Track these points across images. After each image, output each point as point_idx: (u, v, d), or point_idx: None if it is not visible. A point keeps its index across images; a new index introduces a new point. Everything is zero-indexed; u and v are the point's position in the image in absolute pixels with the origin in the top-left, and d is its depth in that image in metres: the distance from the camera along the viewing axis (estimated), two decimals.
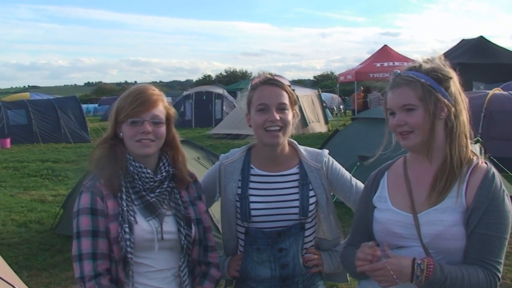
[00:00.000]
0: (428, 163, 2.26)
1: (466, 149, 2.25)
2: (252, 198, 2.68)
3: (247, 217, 2.66)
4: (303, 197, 2.67)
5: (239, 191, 2.71)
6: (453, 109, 2.20)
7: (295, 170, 2.73)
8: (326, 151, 2.82)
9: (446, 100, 2.19)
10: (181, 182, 2.57)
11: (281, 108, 2.60)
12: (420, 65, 2.25)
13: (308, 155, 2.77)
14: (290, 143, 2.79)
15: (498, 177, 2.19)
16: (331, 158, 2.80)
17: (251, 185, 2.71)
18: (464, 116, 2.24)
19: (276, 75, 2.70)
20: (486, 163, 2.25)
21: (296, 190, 2.69)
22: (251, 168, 2.75)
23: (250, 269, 2.70)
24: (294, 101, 2.69)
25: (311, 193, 2.69)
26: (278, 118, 2.57)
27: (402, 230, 2.23)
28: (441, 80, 2.21)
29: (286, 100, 2.63)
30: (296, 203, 2.66)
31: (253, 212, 2.66)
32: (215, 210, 6.30)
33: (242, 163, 2.77)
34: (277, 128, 2.59)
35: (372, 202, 2.41)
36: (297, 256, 2.67)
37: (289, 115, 2.63)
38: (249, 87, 2.74)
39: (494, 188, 2.14)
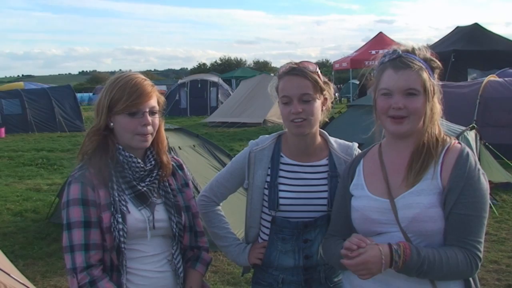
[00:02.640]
0: (404, 148, 2.27)
1: (439, 130, 2.28)
2: (281, 187, 2.67)
3: (275, 206, 2.65)
4: (332, 189, 2.64)
5: (268, 178, 2.70)
6: (435, 96, 2.25)
7: (324, 161, 2.72)
8: (355, 144, 2.81)
9: (435, 88, 2.25)
10: (164, 167, 2.55)
11: (304, 100, 2.55)
12: (413, 49, 2.27)
13: (338, 147, 2.75)
14: (321, 134, 2.77)
15: (472, 156, 2.20)
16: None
17: (281, 173, 2.70)
18: (439, 104, 2.28)
19: (303, 62, 2.63)
20: (460, 143, 2.27)
21: (325, 181, 2.67)
22: (281, 156, 2.74)
23: (274, 257, 2.71)
24: (320, 88, 2.61)
25: None
26: (301, 110, 2.53)
27: (379, 216, 2.23)
28: (434, 69, 2.28)
29: (309, 90, 2.55)
30: (325, 195, 2.65)
31: (282, 201, 2.65)
32: (201, 182, 6.38)
33: (272, 151, 2.75)
34: (301, 119, 2.55)
35: (349, 190, 2.40)
36: (321, 247, 2.64)
37: (314, 104, 2.57)
38: (277, 75, 2.69)
39: (469, 167, 2.14)
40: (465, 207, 2.10)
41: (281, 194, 2.65)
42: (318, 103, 2.60)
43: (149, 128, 2.40)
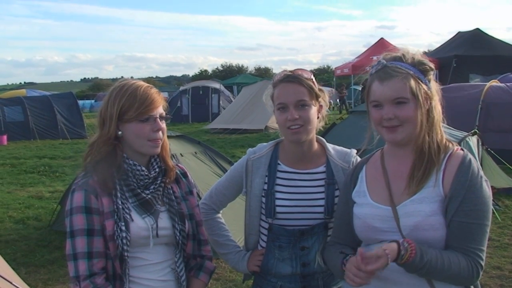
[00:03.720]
0: (406, 155, 2.25)
1: (441, 136, 2.25)
2: (278, 195, 2.66)
3: (271, 214, 2.65)
4: (328, 197, 2.64)
5: (266, 186, 2.70)
6: (433, 99, 2.22)
7: (322, 169, 2.71)
8: (354, 151, 2.79)
9: (429, 92, 2.21)
10: (169, 173, 2.56)
11: (301, 105, 2.55)
12: (404, 56, 2.24)
13: (336, 154, 2.74)
14: (318, 141, 2.77)
15: (475, 163, 2.17)
16: (359, 159, 2.75)
17: (278, 181, 2.70)
18: (439, 106, 2.26)
19: (297, 69, 2.64)
20: (462, 149, 2.25)
21: (322, 189, 2.66)
22: (278, 164, 2.73)
23: (271, 265, 2.71)
24: (316, 95, 2.61)
25: (337, 193, 2.65)
26: (297, 116, 2.53)
27: (381, 223, 2.22)
28: (426, 71, 2.23)
29: (305, 96, 2.56)
30: (321, 202, 2.64)
31: (278, 209, 2.64)
32: (203, 189, 6.38)
33: (270, 159, 2.75)
34: (297, 126, 2.55)
35: (352, 197, 2.39)
36: (319, 255, 2.66)
37: (310, 110, 2.57)
38: (272, 84, 2.70)
39: (471, 174, 2.12)
40: (466, 215, 2.08)
41: (277, 202, 2.65)
42: (314, 109, 2.60)
43: (160, 133, 2.43)
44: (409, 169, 2.23)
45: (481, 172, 2.16)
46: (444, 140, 2.26)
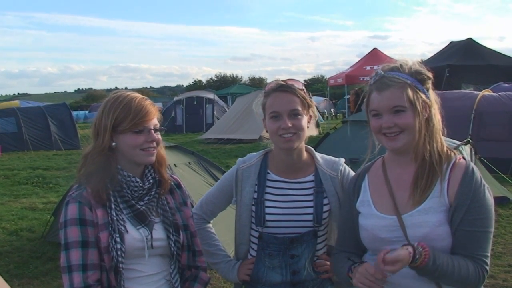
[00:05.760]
0: (407, 163, 2.29)
1: (442, 145, 2.29)
2: (267, 203, 2.69)
3: (261, 222, 2.68)
4: (317, 205, 2.68)
5: (256, 195, 2.72)
6: (432, 108, 2.26)
7: (310, 177, 2.74)
8: (342, 160, 2.83)
9: (428, 100, 2.25)
10: (163, 184, 2.56)
11: (294, 114, 2.60)
12: (401, 66, 2.28)
13: (324, 163, 2.78)
14: (307, 150, 2.80)
15: (477, 172, 2.23)
16: (347, 167, 2.81)
17: (267, 190, 2.73)
18: (439, 115, 2.30)
19: (289, 79, 2.70)
20: (464, 158, 2.29)
21: (310, 197, 2.70)
22: (268, 173, 2.77)
23: (262, 273, 2.73)
24: (307, 105, 2.67)
25: (325, 201, 2.70)
26: (290, 125, 2.57)
27: (388, 234, 2.25)
28: (424, 81, 2.28)
29: (298, 105, 2.61)
30: (310, 211, 2.67)
31: (268, 217, 2.67)
32: (197, 199, 6.36)
33: (259, 168, 2.78)
34: (290, 134, 2.59)
35: (356, 207, 2.42)
36: (308, 263, 2.69)
37: (303, 120, 2.62)
38: (263, 93, 2.74)
39: (475, 183, 2.18)
40: (472, 223, 2.14)
41: (267, 210, 2.68)
42: (305, 119, 2.65)
43: (154, 144, 2.44)
44: (412, 178, 2.26)
45: (484, 181, 2.22)
46: (445, 149, 2.30)
